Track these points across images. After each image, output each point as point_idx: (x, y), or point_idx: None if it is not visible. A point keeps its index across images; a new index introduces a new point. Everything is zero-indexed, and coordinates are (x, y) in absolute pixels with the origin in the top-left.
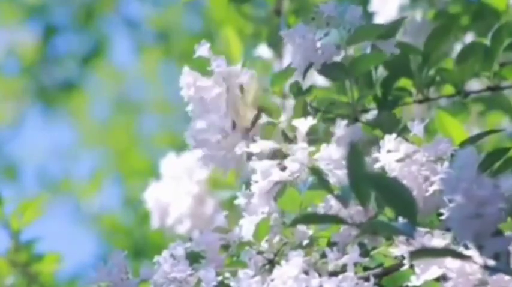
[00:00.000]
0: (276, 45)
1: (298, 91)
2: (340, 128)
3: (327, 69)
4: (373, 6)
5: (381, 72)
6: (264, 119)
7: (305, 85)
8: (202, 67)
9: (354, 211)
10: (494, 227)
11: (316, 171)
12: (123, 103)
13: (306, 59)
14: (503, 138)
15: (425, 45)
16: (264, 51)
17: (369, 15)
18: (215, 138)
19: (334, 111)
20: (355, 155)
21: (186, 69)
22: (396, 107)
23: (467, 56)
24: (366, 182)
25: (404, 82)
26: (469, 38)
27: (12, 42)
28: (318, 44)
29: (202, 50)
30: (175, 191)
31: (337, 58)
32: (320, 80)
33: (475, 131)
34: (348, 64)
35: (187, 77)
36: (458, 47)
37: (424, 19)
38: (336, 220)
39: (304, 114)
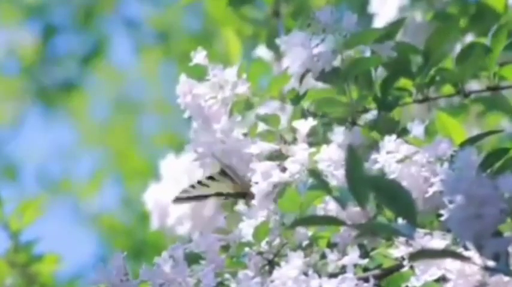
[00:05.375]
0: (275, 47)
1: (295, 98)
2: (339, 134)
3: (324, 76)
4: (372, 7)
5: (380, 72)
6: (262, 126)
7: (304, 87)
8: (201, 69)
9: (353, 212)
10: (494, 227)
11: (315, 173)
12: (123, 103)
13: (303, 66)
14: (503, 138)
15: (426, 45)
16: (263, 51)
17: (368, 16)
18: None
19: (333, 114)
20: (354, 157)
21: (182, 77)
22: (396, 107)
23: (467, 55)
24: (364, 183)
25: (404, 82)
26: (469, 38)
27: (12, 42)
28: (315, 51)
29: (199, 57)
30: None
31: (334, 63)
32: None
33: (475, 131)
34: (345, 67)
35: (184, 85)
36: (458, 47)
37: (423, 20)
38: (335, 221)
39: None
